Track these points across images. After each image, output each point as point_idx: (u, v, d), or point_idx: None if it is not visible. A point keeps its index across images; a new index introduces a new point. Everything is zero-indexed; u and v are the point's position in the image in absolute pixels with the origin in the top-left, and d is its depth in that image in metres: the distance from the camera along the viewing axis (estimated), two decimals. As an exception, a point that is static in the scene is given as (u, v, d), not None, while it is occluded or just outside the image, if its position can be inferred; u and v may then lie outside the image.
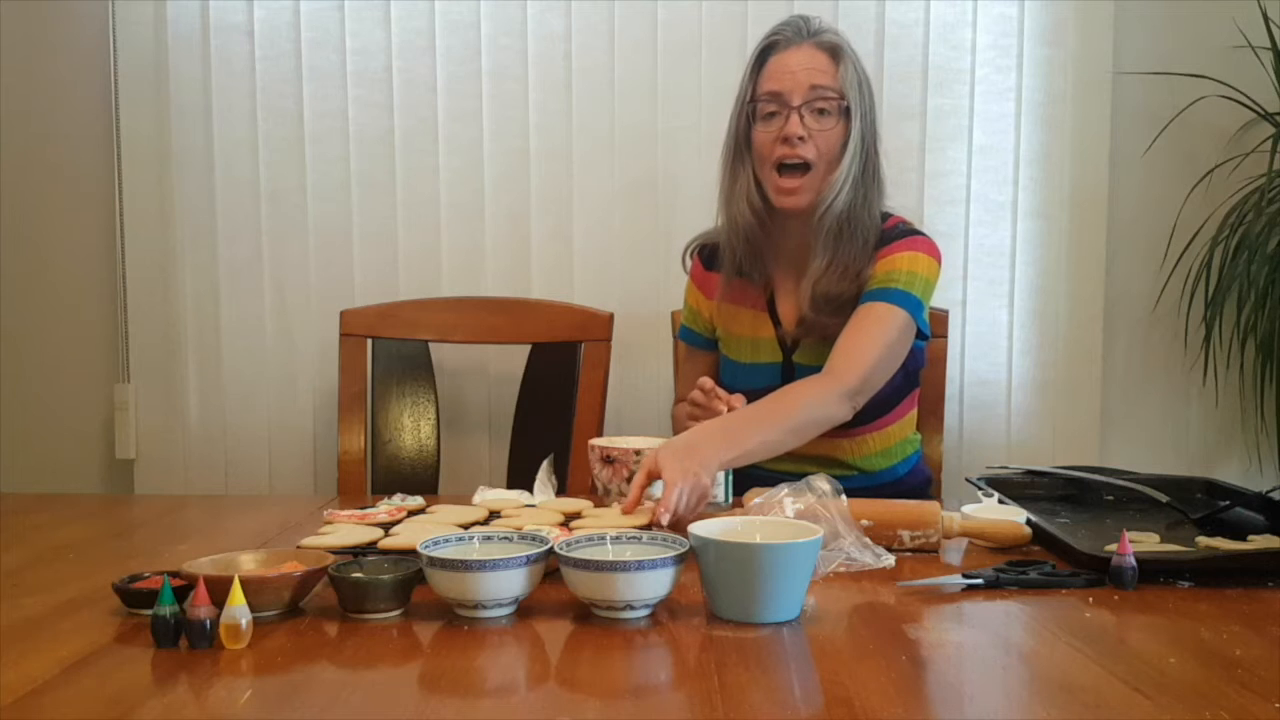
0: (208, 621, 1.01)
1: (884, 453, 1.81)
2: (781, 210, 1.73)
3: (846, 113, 1.70)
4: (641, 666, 1.00)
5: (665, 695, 0.94)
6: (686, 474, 1.34)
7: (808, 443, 1.61)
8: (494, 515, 1.39)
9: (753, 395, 1.63)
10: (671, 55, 2.29)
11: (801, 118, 1.68)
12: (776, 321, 1.80)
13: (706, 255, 1.89)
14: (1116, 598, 1.19)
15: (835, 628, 1.09)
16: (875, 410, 1.74)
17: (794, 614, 1.10)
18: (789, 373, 1.78)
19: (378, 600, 1.11)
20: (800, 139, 1.68)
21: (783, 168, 1.71)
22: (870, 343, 1.65)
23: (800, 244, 1.77)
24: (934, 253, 1.75)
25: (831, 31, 1.74)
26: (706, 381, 1.61)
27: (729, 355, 1.85)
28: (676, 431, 1.64)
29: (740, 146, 1.75)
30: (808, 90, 1.68)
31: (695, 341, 1.91)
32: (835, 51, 1.71)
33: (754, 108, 1.72)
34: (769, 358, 1.80)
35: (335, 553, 1.20)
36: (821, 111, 1.69)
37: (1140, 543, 1.32)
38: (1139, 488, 1.60)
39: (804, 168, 1.70)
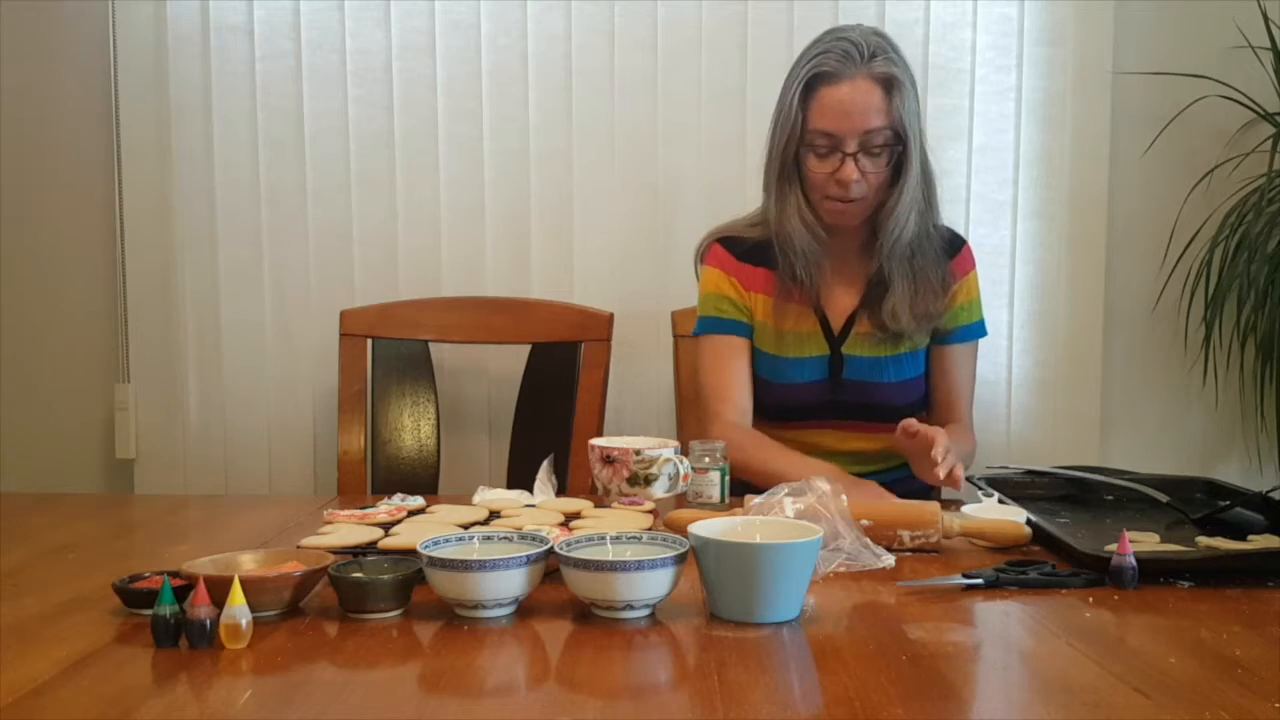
0: (208, 621, 1.01)
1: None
2: (833, 226, 1.77)
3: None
4: (641, 666, 1.00)
5: (665, 695, 0.94)
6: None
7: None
8: (494, 515, 1.39)
9: (799, 387, 1.80)
10: (671, 55, 2.29)
11: (856, 160, 1.68)
12: (821, 316, 1.82)
13: (739, 252, 1.84)
14: (1116, 598, 1.19)
15: (835, 628, 1.09)
16: (911, 411, 1.78)
17: (794, 614, 1.10)
18: (837, 364, 1.80)
19: (378, 600, 1.10)
20: (855, 181, 1.69)
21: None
22: (972, 386, 1.89)
23: (848, 246, 1.81)
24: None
25: (884, 56, 1.67)
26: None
27: (769, 350, 1.83)
28: (736, 450, 1.64)
29: (788, 170, 1.74)
30: (861, 135, 1.66)
31: (733, 329, 1.83)
32: (889, 83, 1.66)
33: (804, 140, 1.70)
34: (816, 351, 1.81)
35: (335, 553, 1.20)
36: (875, 153, 1.69)
37: (1140, 543, 1.32)
38: (1139, 488, 1.60)
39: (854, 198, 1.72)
